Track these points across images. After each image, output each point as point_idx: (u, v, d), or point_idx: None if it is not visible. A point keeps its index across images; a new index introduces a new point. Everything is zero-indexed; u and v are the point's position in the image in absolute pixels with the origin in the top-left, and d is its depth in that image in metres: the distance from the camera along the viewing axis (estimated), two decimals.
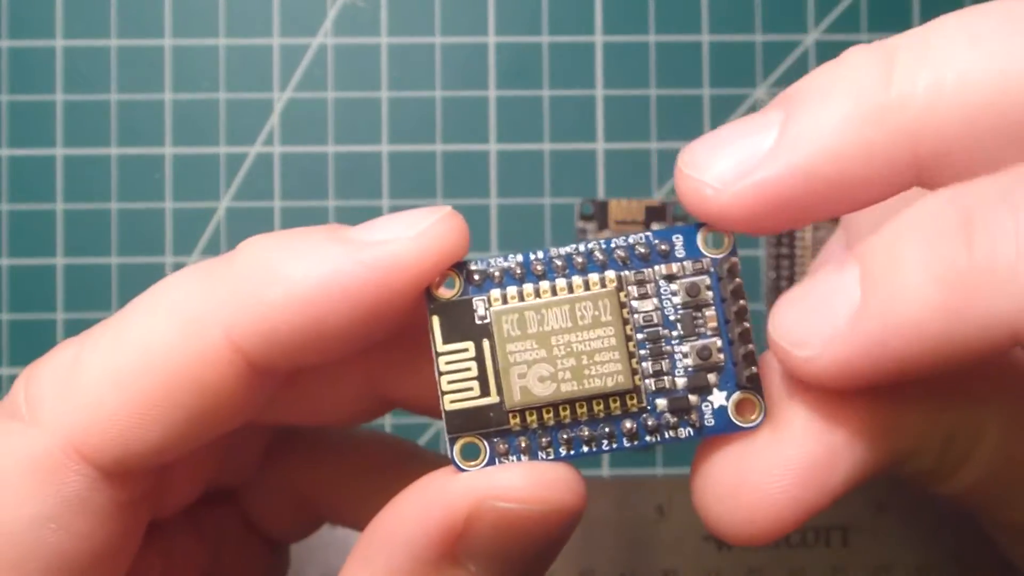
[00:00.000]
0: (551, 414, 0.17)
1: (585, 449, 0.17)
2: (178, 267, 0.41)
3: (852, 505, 0.39)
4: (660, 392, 0.17)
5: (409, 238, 0.17)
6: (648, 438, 0.17)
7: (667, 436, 0.17)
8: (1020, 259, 0.14)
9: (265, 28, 0.41)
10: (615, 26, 0.42)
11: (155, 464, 0.18)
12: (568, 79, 0.41)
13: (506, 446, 0.17)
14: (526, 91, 0.41)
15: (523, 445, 0.17)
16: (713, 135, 0.17)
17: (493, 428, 0.17)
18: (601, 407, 0.17)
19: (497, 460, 0.17)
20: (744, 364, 0.17)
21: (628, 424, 0.17)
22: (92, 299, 0.41)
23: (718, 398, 0.17)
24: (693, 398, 0.17)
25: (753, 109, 0.41)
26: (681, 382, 0.17)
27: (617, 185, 0.41)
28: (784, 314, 0.16)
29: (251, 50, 0.41)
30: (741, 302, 0.17)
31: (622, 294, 0.17)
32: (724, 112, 0.41)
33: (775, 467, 0.16)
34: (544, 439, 0.17)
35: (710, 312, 0.17)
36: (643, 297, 0.17)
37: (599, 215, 0.40)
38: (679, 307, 0.17)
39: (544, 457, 0.17)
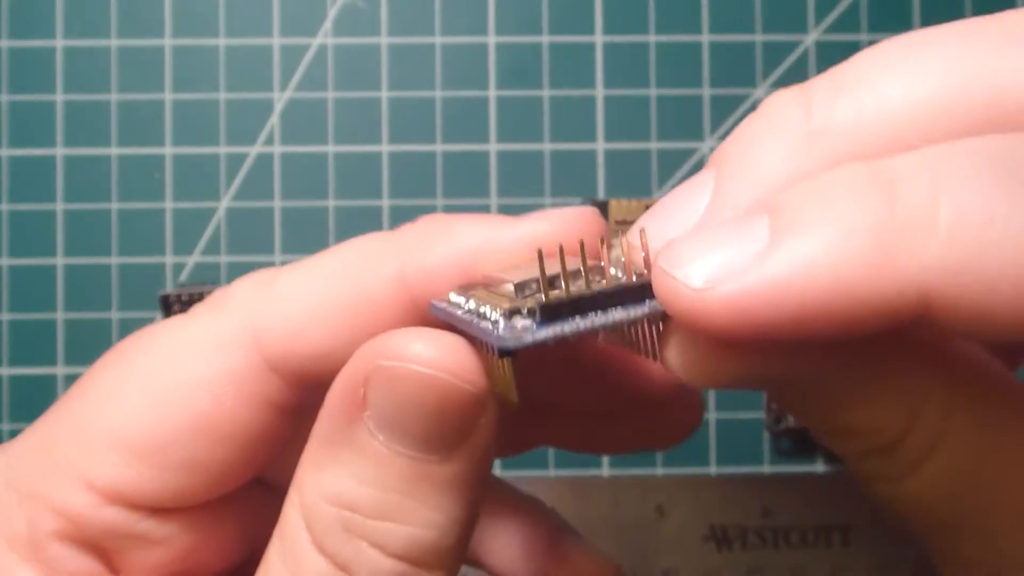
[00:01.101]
0: (485, 292, 0.19)
1: (450, 311, 0.19)
2: (178, 267, 0.41)
3: (852, 505, 0.39)
4: (514, 304, 0.18)
5: (557, 221, 0.20)
6: (476, 321, 0.18)
7: (477, 324, 0.18)
8: (935, 222, 0.14)
9: (265, 28, 0.41)
10: (615, 26, 0.42)
11: (313, 369, 0.21)
12: (568, 79, 0.41)
13: (451, 298, 0.20)
14: (526, 91, 0.41)
15: (453, 301, 0.19)
16: (695, 237, 0.16)
17: (464, 290, 0.20)
18: (495, 299, 0.18)
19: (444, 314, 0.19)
20: (557, 316, 0.18)
21: (482, 308, 0.18)
22: (92, 299, 0.41)
23: (521, 321, 0.18)
24: (518, 316, 0.18)
25: (753, 109, 0.41)
26: (522, 304, 0.18)
27: (617, 185, 0.41)
28: (680, 247, 0.16)
29: (251, 50, 0.41)
30: (622, 311, 0.18)
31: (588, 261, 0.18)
32: (724, 112, 0.41)
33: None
34: (458, 305, 0.19)
35: (595, 287, 0.18)
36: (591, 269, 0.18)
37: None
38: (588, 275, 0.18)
39: (443, 309, 0.19)
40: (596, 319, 0.18)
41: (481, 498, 0.19)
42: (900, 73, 0.16)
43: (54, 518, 0.21)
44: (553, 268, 0.18)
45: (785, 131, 0.17)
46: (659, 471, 0.41)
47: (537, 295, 0.18)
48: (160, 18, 0.41)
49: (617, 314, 0.18)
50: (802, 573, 0.39)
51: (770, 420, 0.40)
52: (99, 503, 0.21)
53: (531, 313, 0.17)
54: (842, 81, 0.17)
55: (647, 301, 0.18)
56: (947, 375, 0.17)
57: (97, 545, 0.21)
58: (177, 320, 0.22)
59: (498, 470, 0.40)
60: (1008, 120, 0.15)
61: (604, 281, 0.18)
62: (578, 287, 0.18)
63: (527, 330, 0.17)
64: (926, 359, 0.17)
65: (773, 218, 0.15)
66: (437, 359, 0.18)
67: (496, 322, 0.17)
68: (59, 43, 0.41)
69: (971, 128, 0.15)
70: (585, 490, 0.39)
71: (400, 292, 0.20)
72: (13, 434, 0.40)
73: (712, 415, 0.41)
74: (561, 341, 0.17)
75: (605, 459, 0.41)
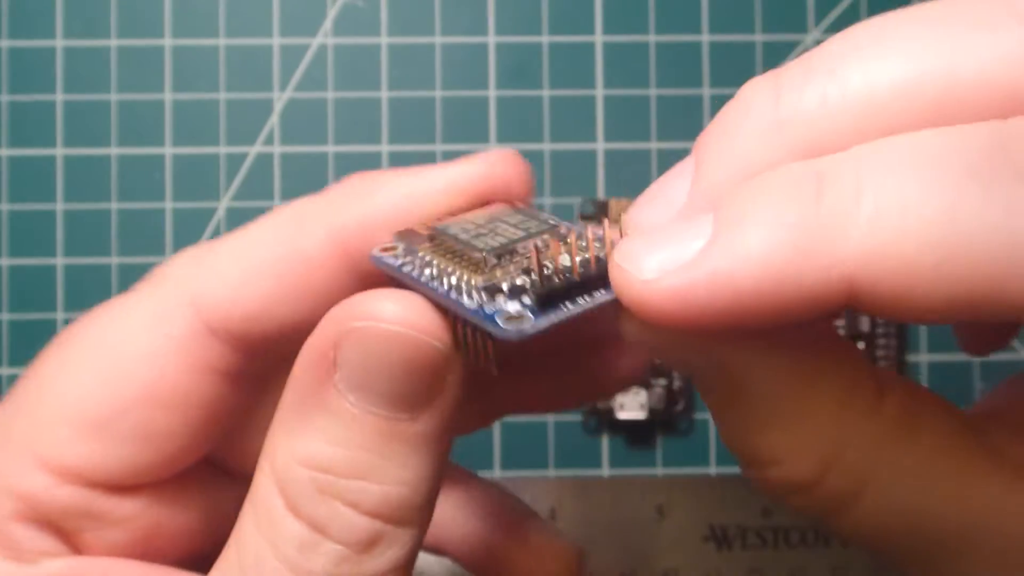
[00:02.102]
0: (437, 251, 0.19)
1: (414, 275, 0.19)
2: None
3: None
4: (491, 281, 0.18)
5: (481, 163, 0.21)
6: (452, 294, 0.18)
7: (454, 297, 0.18)
8: (856, 214, 0.15)
9: (265, 28, 0.41)
10: (615, 26, 0.42)
11: (253, 330, 0.21)
12: (568, 79, 0.41)
13: (398, 253, 0.20)
14: (526, 91, 0.41)
15: (400, 256, 0.20)
16: (648, 234, 0.18)
17: (407, 242, 0.20)
18: (459, 266, 0.19)
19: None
20: (550, 305, 0.18)
21: (452, 280, 0.18)
22: (92, 299, 0.40)
23: (511, 305, 0.18)
24: (501, 297, 0.18)
25: None
26: (506, 285, 0.18)
27: (617, 185, 0.41)
28: (633, 242, 0.17)
29: (251, 50, 0.41)
30: (607, 293, 0.18)
31: (567, 237, 0.19)
32: None
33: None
34: (412, 261, 0.19)
35: (580, 270, 0.18)
36: (560, 242, 0.18)
37: (599, 215, 0.40)
38: (569, 256, 0.18)
39: (395, 265, 0.19)
40: (585, 303, 0.18)
41: (447, 456, 0.20)
42: (864, 60, 0.17)
43: (13, 500, 0.21)
44: (506, 230, 0.19)
45: (756, 120, 0.18)
46: (659, 471, 0.41)
47: (522, 276, 0.18)
48: (160, 18, 0.41)
49: (602, 296, 0.18)
50: (802, 573, 0.39)
51: None
52: (56, 483, 0.21)
53: (514, 294, 0.18)
54: (810, 68, 0.17)
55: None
56: (870, 436, 0.17)
57: (57, 525, 0.21)
58: (120, 298, 0.23)
59: (498, 471, 0.40)
60: (961, 107, 0.16)
61: (574, 263, 0.18)
62: (563, 267, 0.18)
63: (524, 320, 0.17)
64: (840, 407, 0.17)
65: (716, 215, 0.16)
66: (405, 317, 0.18)
67: (481, 304, 0.18)
68: (59, 43, 0.41)
69: (926, 116, 0.16)
70: (585, 490, 0.39)
71: (334, 247, 0.21)
72: None
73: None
74: (555, 327, 0.17)
75: (605, 459, 0.41)
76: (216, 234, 0.41)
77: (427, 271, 0.19)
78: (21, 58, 0.41)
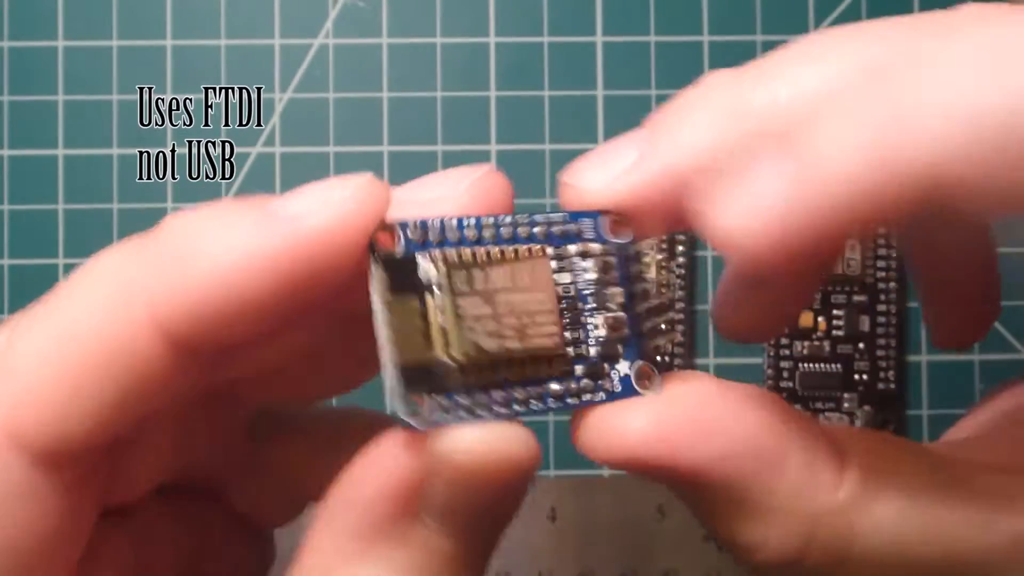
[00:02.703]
0: (494, 372, 0.17)
1: (519, 409, 0.18)
2: None
3: None
4: (578, 359, 0.18)
5: (325, 209, 0.17)
6: (569, 400, 0.18)
7: (584, 399, 0.18)
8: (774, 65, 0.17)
9: (265, 28, 0.41)
10: (615, 26, 0.42)
11: (89, 446, 0.18)
12: (568, 79, 0.41)
13: (450, 403, 0.17)
14: (526, 91, 0.41)
15: (466, 402, 0.17)
16: (589, 155, 0.20)
17: (438, 383, 0.17)
18: (535, 368, 0.18)
19: (443, 417, 0.17)
20: (646, 337, 0.19)
21: (555, 386, 0.18)
22: None
23: (623, 367, 0.18)
24: (605, 365, 0.18)
25: None
26: (594, 350, 0.18)
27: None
28: (577, 163, 0.19)
29: (251, 50, 0.41)
30: (642, 285, 0.19)
31: (552, 262, 0.18)
32: None
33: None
34: (484, 397, 0.17)
35: (616, 289, 0.19)
36: (561, 271, 0.18)
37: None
38: (591, 283, 0.18)
39: (485, 416, 0.17)
40: (650, 311, 0.19)
41: None
42: (812, 67, 0.18)
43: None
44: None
45: (713, 107, 0.19)
46: None
47: (605, 337, 0.19)
48: (161, 18, 0.41)
49: (649, 300, 0.19)
50: None
51: None
52: None
53: (611, 358, 0.19)
54: (767, 70, 0.18)
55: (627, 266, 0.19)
56: (841, 502, 0.17)
57: None
58: None
59: None
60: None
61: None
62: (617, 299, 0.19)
63: (651, 375, 0.18)
64: (803, 489, 0.17)
65: (650, 124, 0.18)
66: (500, 445, 0.17)
67: (608, 389, 0.18)
68: (59, 43, 0.41)
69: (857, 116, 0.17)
70: (585, 490, 0.39)
71: (159, 339, 0.17)
72: None
73: None
74: None
75: None
76: None
77: (502, 396, 0.17)
78: (21, 58, 0.41)
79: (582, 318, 0.18)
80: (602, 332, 0.18)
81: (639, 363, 0.18)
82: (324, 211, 0.17)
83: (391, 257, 0.17)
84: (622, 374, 0.18)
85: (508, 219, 0.18)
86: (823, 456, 0.18)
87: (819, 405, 0.40)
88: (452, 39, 0.42)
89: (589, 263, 0.18)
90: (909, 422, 0.40)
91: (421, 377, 0.17)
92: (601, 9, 0.42)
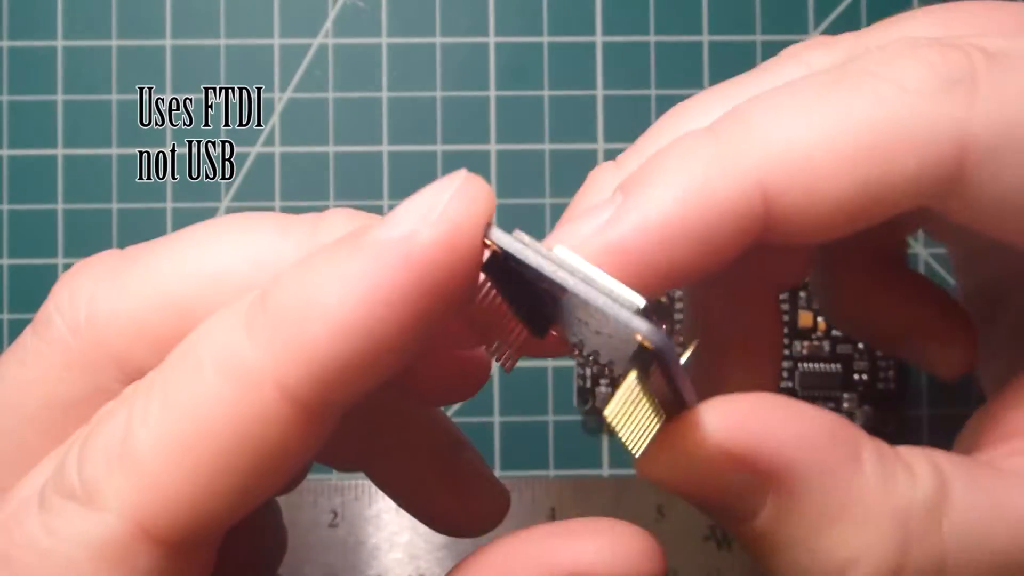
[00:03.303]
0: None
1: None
2: None
3: None
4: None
5: (433, 220, 0.16)
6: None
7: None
8: (746, 130, 0.18)
9: (265, 28, 0.41)
10: (615, 26, 0.42)
11: (222, 529, 0.18)
12: (568, 79, 0.41)
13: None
14: (526, 91, 0.41)
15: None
16: (567, 216, 0.20)
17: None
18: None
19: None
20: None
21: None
22: None
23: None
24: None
25: None
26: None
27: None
28: (556, 227, 0.19)
29: (251, 50, 0.41)
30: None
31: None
32: None
33: None
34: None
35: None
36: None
37: None
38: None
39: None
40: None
41: None
42: (681, 128, 0.20)
43: None
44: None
45: (604, 185, 0.21)
46: None
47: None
48: (160, 18, 0.41)
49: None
50: None
51: None
52: None
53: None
54: (640, 145, 0.22)
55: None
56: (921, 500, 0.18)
57: None
58: (31, 523, 0.18)
59: (498, 471, 0.40)
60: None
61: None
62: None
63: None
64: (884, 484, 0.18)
65: (623, 186, 0.18)
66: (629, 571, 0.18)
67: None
68: (59, 43, 0.41)
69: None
70: (585, 490, 0.39)
71: (291, 409, 0.17)
72: None
73: None
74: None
75: (605, 459, 0.41)
76: None
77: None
78: (21, 58, 0.41)
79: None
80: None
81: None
82: (433, 224, 0.16)
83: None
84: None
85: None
86: (889, 451, 0.18)
87: (818, 405, 0.39)
88: (452, 39, 0.42)
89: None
90: (908, 422, 0.40)
91: None
92: (601, 9, 0.42)
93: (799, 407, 0.18)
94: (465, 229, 0.16)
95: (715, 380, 0.23)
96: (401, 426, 0.25)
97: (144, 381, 0.18)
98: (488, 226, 0.17)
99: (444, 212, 0.16)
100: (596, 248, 0.17)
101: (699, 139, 0.18)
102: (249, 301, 0.17)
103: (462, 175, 0.17)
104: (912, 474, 0.17)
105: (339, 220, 0.19)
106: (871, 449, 0.17)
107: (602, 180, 0.21)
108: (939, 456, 0.18)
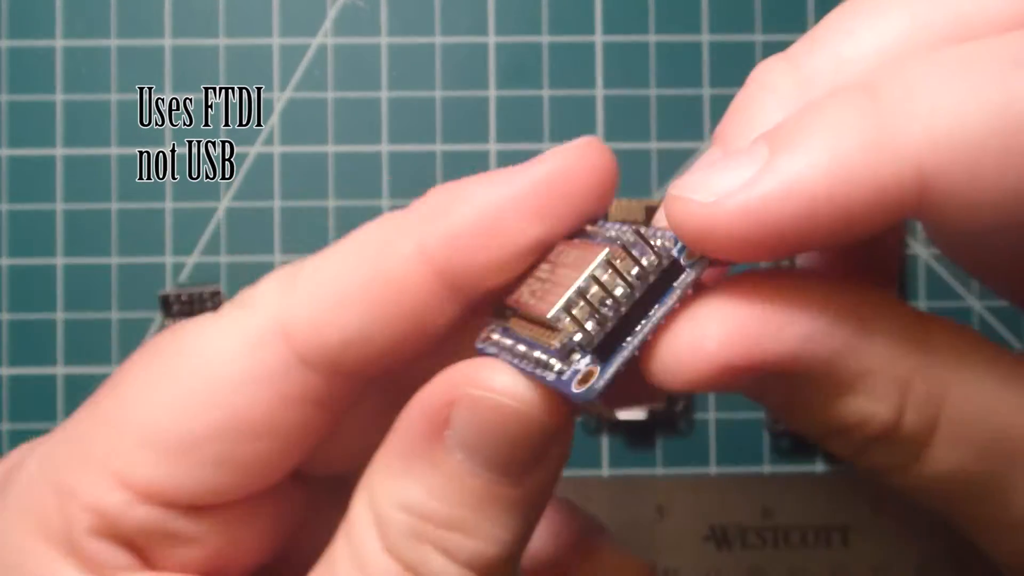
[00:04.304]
0: (520, 322, 0.20)
1: (513, 360, 0.19)
2: (178, 267, 0.41)
3: (852, 505, 0.39)
4: (568, 339, 0.18)
5: (562, 154, 0.20)
6: (537, 370, 0.19)
7: (541, 373, 0.18)
8: (914, 106, 0.15)
9: (265, 28, 0.41)
10: (615, 26, 0.42)
11: (343, 359, 0.21)
12: (568, 79, 0.41)
13: (500, 337, 0.20)
14: (526, 91, 0.41)
15: (496, 339, 0.20)
16: (702, 165, 0.18)
17: (500, 320, 0.21)
18: (540, 333, 0.19)
19: (488, 348, 0.20)
20: (614, 344, 0.18)
21: (539, 354, 0.19)
22: (92, 299, 0.41)
23: (582, 363, 0.18)
24: (576, 355, 0.18)
25: None
26: (578, 339, 0.18)
27: (617, 185, 0.41)
28: (690, 175, 0.17)
29: (251, 50, 0.41)
30: (659, 306, 0.18)
31: (614, 260, 0.18)
32: (724, 112, 0.41)
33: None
34: (506, 342, 0.20)
35: (623, 297, 0.18)
36: (611, 266, 0.18)
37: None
38: (623, 284, 0.18)
39: (504, 357, 0.19)
40: (643, 328, 0.18)
41: (540, 518, 0.20)
42: (867, 19, 0.18)
43: (88, 515, 0.21)
44: (566, 276, 0.19)
45: (776, 87, 0.19)
46: (659, 471, 0.41)
47: (589, 321, 0.18)
48: (160, 18, 0.41)
49: (657, 313, 0.18)
50: (802, 573, 0.39)
51: (770, 420, 0.40)
52: (133, 501, 0.21)
53: (583, 351, 0.18)
54: (818, 36, 0.18)
55: (672, 288, 0.18)
56: (929, 363, 0.17)
57: (133, 541, 0.21)
58: (207, 318, 0.22)
59: None
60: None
61: (634, 279, 0.18)
62: (616, 299, 0.18)
63: (594, 376, 0.18)
64: (903, 347, 0.17)
65: (771, 140, 0.17)
66: (517, 392, 0.19)
67: (561, 372, 0.18)
68: (59, 43, 0.41)
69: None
70: (585, 490, 0.39)
71: (423, 266, 0.20)
72: (13, 434, 0.40)
73: (712, 415, 0.41)
74: (621, 368, 0.18)
75: (605, 459, 0.41)
76: (216, 234, 0.41)
77: (519, 348, 0.19)
78: (21, 58, 0.41)
79: (598, 307, 0.18)
80: (591, 325, 0.18)
81: (590, 366, 0.18)
82: (554, 161, 0.20)
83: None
84: (574, 367, 0.18)
85: (617, 226, 0.21)
86: (909, 322, 0.17)
87: None
88: (451, 39, 0.42)
89: (626, 271, 0.18)
90: None
91: (501, 312, 0.21)
92: (601, 9, 0.42)
93: (805, 294, 0.17)
94: (572, 171, 0.21)
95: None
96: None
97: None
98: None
99: (563, 155, 0.21)
100: (733, 207, 0.16)
101: (858, 101, 0.16)
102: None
103: (588, 138, 0.21)
104: (927, 345, 0.17)
105: (440, 186, 0.22)
106: (883, 327, 0.17)
107: (772, 83, 0.19)
108: (970, 339, 0.18)
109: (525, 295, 0.20)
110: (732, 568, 0.39)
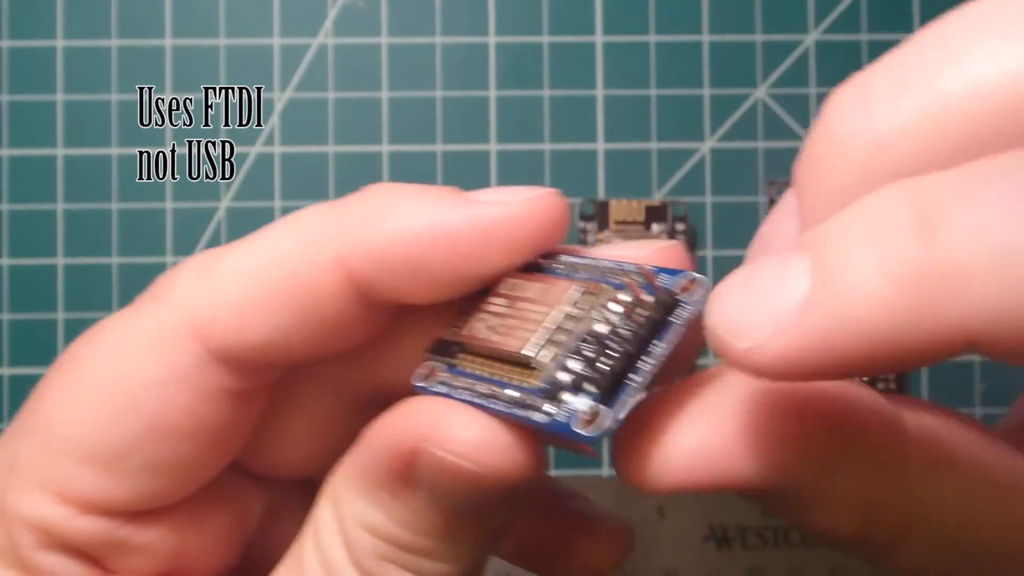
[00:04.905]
0: (475, 359, 0.19)
1: (479, 401, 0.18)
2: None
3: None
4: (547, 376, 0.17)
5: (515, 203, 0.19)
6: (516, 410, 0.18)
7: (524, 414, 0.17)
8: (976, 259, 0.13)
9: (265, 28, 0.41)
10: (615, 26, 0.42)
11: (257, 359, 0.20)
12: (568, 79, 0.41)
13: (448, 376, 0.19)
14: (526, 91, 0.41)
15: (444, 377, 0.19)
16: (739, 287, 0.16)
17: (443, 357, 0.20)
18: (505, 370, 0.18)
19: (437, 387, 0.19)
20: (618, 384, 0.17)
21: (511, 392, 0.18)
22: (92, 299, 0.41)
23: (580, 402, 0.17)
24: (567, 394, 0.17)
25: (753, 109, 0.41)
26: (563, 375, 0.17)
27: (617, 185, 0.41)
28: (726, 302, 0.15)
29: (251, 50, 0.41)
30: (660, 343, 0.18)
31: (575, 291, 0.18)
32: (724, 112, 0.41)
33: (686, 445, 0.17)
34: (459, 380, 0.19)
35: (627, 334, 0.18)
36: (585, 301, 0.18)
37: (599, 215, 0.40)
38: (607, 322, 0.18)
39: (461, 396, 0.18)
40: (647, 366, 0.17)
41: (509, 529, 0.21)
42: (963, 63, 0.15)
43: (32, 531, 0.20)
44: (532, 312, 0.18)
45: (847, 147, 0.16)
46: None
47: (572, 359, 0.17)
48: (160, 18, 0.41)
49: (659, 349, 0.17)
50: (802, 573, 0.39)
51: None
52: (73, 514, 0.20)
53: (576, 385, 0.17)
54: (902, 75, 0.15)
55: (671, 323, 0.18)
56: (899, 480, 0.17)
57: (82, 552, 0.21)
58: (121, 315, 0.21)
59: None
60: None
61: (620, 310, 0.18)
62: (613, 336, 0.17)
63: (601, 416, 0.17)
64: (870, 470, 0.17)
65: (812, 261, 0.15)
66: (481, 454, 0.18)
67: (552, 414, 0.17)
68: (59, 43, 0.41)
69: None
70: (585, 490, 0.39)
71: (342, 278, 0.20)
72: None
73: None
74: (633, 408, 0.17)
75: (605, 459, 0.41)
76: (216, 234, 0.41)
77: (479, 387, 0.18)
78: (21, 58, 0.41)
79: (576, 344, 0.17)
80: (578, 365, 0.17)
81: (594, 407, 0.17)
82: (505, 207, 0.19)
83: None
84: (572, 407, 0.17)
85: (577, 260, 0.20)
86: (889, 430, 0.17)
87: None
88: (452, 39, 0.42)
89: (618, 307, 0.18)
90: None
91: (443, 347, 0.20)
92: (601, 9, 0.42)
93: (778, 426, 0.17)
94: (520, 224, 0.20)
95: None
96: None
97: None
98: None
99: (531, 201, 0.20)
100: (795, 340, 0.14)
101: (903, 228, 0.14)
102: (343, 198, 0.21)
103: (549, 191, 0.20)
104: (898, 456, 0.17)
105: (375, 190, 0.21)
106: (854, 454, 0.17)
107: (847, 132, 0.16)
108: (949, 435, 0.18)
109: (481, 331, 0.19)
110: (732, 568, 0.39)
